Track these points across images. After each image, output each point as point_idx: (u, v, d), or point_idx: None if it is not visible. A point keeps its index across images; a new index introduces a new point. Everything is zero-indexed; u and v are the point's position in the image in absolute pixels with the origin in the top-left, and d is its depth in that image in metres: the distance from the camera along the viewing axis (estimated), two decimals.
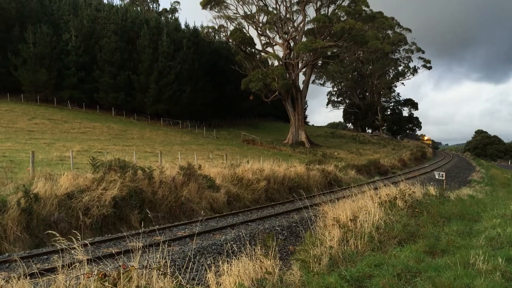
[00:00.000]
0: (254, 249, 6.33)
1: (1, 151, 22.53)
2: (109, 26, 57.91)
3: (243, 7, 58.13)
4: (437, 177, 21.16)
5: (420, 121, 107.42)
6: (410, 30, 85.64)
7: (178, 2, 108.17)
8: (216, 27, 58.51)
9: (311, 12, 66.35)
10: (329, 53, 59.17)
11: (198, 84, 58.63)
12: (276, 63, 60.14)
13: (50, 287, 4.60)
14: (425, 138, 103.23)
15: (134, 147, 32.56)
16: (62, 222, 10.45)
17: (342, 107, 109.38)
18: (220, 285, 5.28)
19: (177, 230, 11.40)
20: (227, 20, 57.32)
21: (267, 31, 59.10)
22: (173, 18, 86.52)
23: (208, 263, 7.89)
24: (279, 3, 56.79)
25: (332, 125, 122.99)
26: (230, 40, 58.12)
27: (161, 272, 4.58)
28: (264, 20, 57.85)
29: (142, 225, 9.89)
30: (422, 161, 56.30)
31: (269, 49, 60.62)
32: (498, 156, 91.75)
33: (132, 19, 62.35)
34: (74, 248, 5.03)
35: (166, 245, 9.01)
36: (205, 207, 14.64)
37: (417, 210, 10.12)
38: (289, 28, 58.39)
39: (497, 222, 8.63)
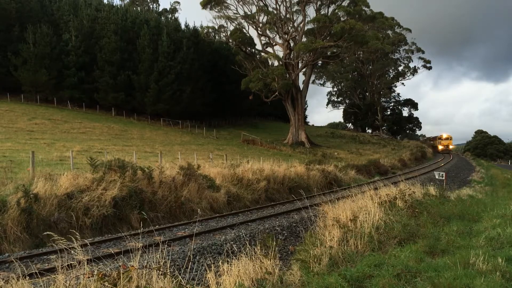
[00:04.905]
0: (254, 249, 6.33)
1: (1, 151, 22.53)
2: (109, 26, 57.90)
3: (243, 7, 58.22)
4: (437, 177, 21.17)
5: (420, 121, 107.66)
6: (410, 30, 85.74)
7: (178, 2, 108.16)
8: (216, 27, 58.62)
9: (311, 12, 66.49)
10: (329, 53, 59.16)
11: (198, 84, 58.65)
12: (276, 63, 60.20)
13: (50, 287, 4.60)
14: (444, 137, 79.78)
15: (134, 147, 32.55)
16: (62, 222, 10.44)
17: (342, 107, 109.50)
18: (220, 285, 5.28)
19: (177, 230, 11.39)
20: (227, 20, 57.37)
21: (267, 31, 59.12)
22: (173, 18, 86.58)
23: (208, 263, 7.89)
24: (279, 3, 56.83)
25: (332, 125, 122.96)
26: (230, 40, 58.13)
27: (161, 272, 4.58)
28: (264, 20, 57.87)
29: (142, 225, 9.88)
30: (422, 161, 56.27)
31: (269, 49, 60.69)
32: (498, 156, 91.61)
33: (132, 19, 62.35)
34: (74, 248, 5.03)
35: (166, 245, 9.03)
36: (205, 207, 14.64)
37: (417, 210, 10.11)
38: (289, 28, 58.39)
39: (497, 222, 8.63)
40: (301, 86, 60.49)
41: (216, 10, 57.13)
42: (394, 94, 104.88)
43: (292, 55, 57.56)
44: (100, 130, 42.52)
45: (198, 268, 7.82)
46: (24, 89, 54.44)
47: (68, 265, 5.07)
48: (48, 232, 5.97)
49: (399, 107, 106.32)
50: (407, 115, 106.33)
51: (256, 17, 57.15)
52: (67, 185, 11.40)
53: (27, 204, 9.97)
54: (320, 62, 65.25)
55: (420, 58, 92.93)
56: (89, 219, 11.03)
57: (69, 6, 61.68)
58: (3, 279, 5.61)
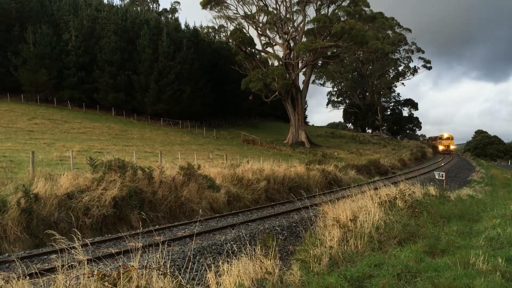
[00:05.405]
0: (254, 249, 6.33)
1: (1, 151, 22.53)
2: (109, 26, 57.90)
3: (243, 7, 58.25)
4: (437, 177, 21.18)
5: (420, 121, 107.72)
6: (410, 30, 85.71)
7: (178, 2, 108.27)
8: (216, 27, 58.65)
9: (311, 12, 66.43)
10: (329, 53, 59.18)
11: (198, 84, 58.65)
12: (276, 63, 60.21)
13: (50, 287, 4.60)
14: (444, 136, 76.91)
15: (134, 147, 32.55)
16: (62, 222, 10.44)
17: (342, 107, 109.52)
18: (220, 285, 5.28)
19: (177, 230, 11.39)
20: (227, 20, 57.38)
21: (267, 31, 59.13)
22: (173, 18, 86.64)
23: (208, 263, 7.89)
24: (279, 3, 56.84)
25: (332, 125, 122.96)
26: (230, 40, 58.15)
27: (161, 272, 4.58)
28: (264, 20, 57.90)
29: (142, 225, 9.87)
30: (422, 161, 56.27)
31: (269, 49, 60.69)
32: (498, 156, 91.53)
33: (132, 19, 62.35)
34: (74, 248, 5.03)
35: (166, 245, 9.02)
36: (205, 207, 14.64)
37: (417, 210, 10.12)
38: (289, 28, 58.40)
39: (497, 222, 8.63)
40: (301, 86, 60.49)
41: (216, 10, 57.19)
42: (394, 94, 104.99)
43: (292, 55, 57.56)
44: (100, 130, 42.51)
45: (198, 268, 7.82)
46: (24, 89, 54.43)
47: (68, 265, 5.07)
48: (48, 231, 5.97)
49: (399, 107, 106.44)
50: (407, 115, 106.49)
51: (256, 17, 57.15)
52: (67, 185, 11.40)
53: (27, 204, 9.97)
54: (320, 62, 65.25)
55: (420, 58, 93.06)
56: (89, 219, 11.03)
57: (69, 6, 61.67)
58: (3, 279, 5.61)
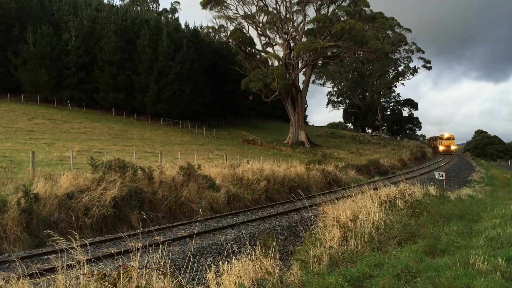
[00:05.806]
0: (254, 249, 6.34)
1: (1, 151, 22.52)
2: (109, 26, 57.92)
3: (243, 7, 58.29)
4: (437, 177, 21.18)
5: (420, 121, 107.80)
6: (410, 30, 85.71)
7: (178, 2, 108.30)
8: (216, 27, 58.66)
9: (311, 12, 66.42)
10: (329, 53, 59.18)
11: (198, 84, 58.66)
12: (276, 63, 60.22)
13: (50, 287, 4.60)
14: (445, 136, 73.72)
15: (134, 147, 32.55)
16: (62, 222, 10.44)
17: (342, 107, 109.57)
18: (220, 285, 5.28)
19: (177, 230, 11.39)
20: (227, 20, 57.40)
21: (267, 31, 59.14)
22: (173, 18, 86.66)
23: (208, 263, 7.89)
24: (279, 3, 56.85)
25: (332, 125, 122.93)
26: (230, 40, 58.16)
27: (161, 272, 4.58)
28: (264, 20, 57.91)
29: (142, 225, 9.87)
30: (422, 161, 56.27)
31: (269, 49, 60.71)
32: (498, 156, 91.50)
33: (132, 19, 62.36)
34: (74, 248, 5.03)
35: (166, 245, 9.03)
36: (205, 207, 14.64)
37: (417, 210, 10.11)
38: (289, 28, 58.40)
39: (497, 222, 8.63)
40: (301, 86, 60.49)
41: (216, 10, 57.21)
42: (394, 94, 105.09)
43: (292, 55, 57.56)
44: (100, 130, 42.52)
45: (198, 268, 7.82)
46: (24, 89, 54.44)
47: (68, 265, 5.07)
48: (47, 232, 5.97)
49: (399, 107, 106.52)
50: (407, 115, 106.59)
51: (256, 17, 57.15)
52: (67, 185, 11.39)
53: (27, 204, 9.96)
54: (320, 62, 65.26)
55: (420, 58, 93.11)
56: (89, 219, 11.02)
57: (69, 6, 61.69)
58: (3, 279, 5.61)
